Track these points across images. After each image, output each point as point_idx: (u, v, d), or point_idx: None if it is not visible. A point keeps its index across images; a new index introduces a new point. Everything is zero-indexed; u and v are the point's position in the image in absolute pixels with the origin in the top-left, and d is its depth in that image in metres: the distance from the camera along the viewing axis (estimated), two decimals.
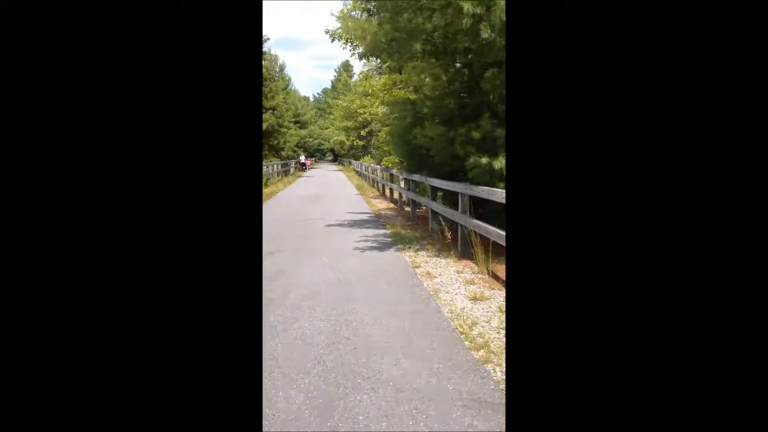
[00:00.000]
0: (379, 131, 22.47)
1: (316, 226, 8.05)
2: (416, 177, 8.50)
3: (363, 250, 6.10)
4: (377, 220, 9.00)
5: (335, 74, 54.21)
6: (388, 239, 6.90)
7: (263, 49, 25.78)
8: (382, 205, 12.06)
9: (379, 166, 16.80)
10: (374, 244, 6.49)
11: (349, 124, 33.30)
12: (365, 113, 21.61)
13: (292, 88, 44.17)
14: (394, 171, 12.21)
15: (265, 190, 15.28)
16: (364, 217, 9.50)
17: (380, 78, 10.70)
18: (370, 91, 11.72)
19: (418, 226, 8.17)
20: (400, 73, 8.27)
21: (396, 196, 12.91)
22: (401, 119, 7.20)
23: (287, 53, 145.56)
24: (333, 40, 7.87)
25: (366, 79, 11.96)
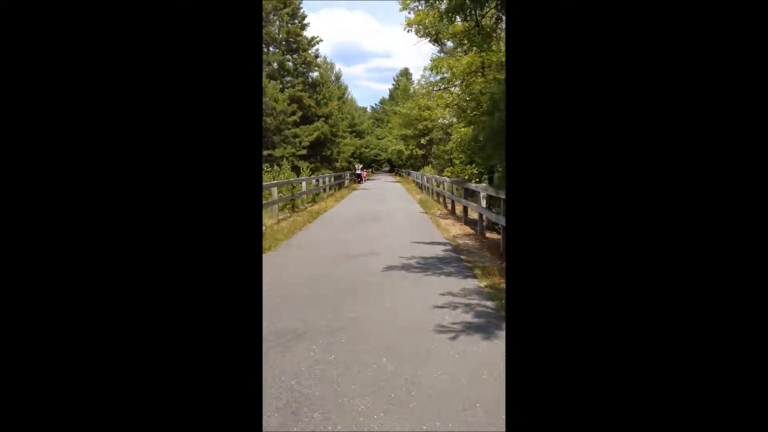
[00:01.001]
0: (443, 141, 20.01)
1: (371, 270, 5.43)
2: None
3: (453, 334, 3.39)
4: (457, 257, 6.26)
5: (393, 83, 51.93)
6: (489, 304, 4.15)
7: (317, 54, 23.86)
8: (456, 229, 9.30)
9: (446, 178, 14.10)
10: (468, 317, 3.77)
11: (408, 132, 31.17)
12: (428, 117, 19.13)
13: (349, 97, 42.51)
14: (472, 185, 9.43)
15: (312, 208, 12.95)
16: (438, 250, 6.78)
17: (461, 58, 8.01)
18: (448, 75, 9.06)
19: None
20: (483, 51, 5.63)
21: (473, 215, 10.18)
22: (500, 104, 4.49)
23: (344, 67, 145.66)
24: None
25: (437, 65, 9.27)
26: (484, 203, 8.90)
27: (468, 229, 9.30)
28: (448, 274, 5.23)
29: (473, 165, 10.04)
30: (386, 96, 55.17)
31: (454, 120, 15.59)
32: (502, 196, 6.56)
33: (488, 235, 8.71)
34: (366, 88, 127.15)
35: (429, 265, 5.70)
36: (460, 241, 7.71)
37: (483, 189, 8.54)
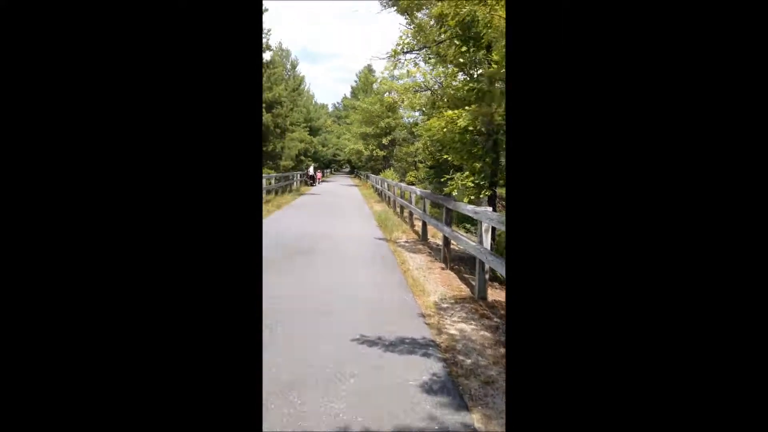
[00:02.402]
0: (406, 142, 16.58)
1: None
2: None
3: None
4: (462, 424, 2.40)
5: (356, 79, 47.72)
6: None
7: (271, 42, 19.61)
8: (438, 283, 5.47)
9: (415, 188, 10.32)
10: None
11: (369, 130, 27.41)
12: (391, 113, 15.51)
13: (306, 88, 38.13)
14: (467, 207, 5.56)
15: None
16: (410, 378, 2.89)
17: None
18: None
19: None
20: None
21: (456, 247, 6.45)
22: None
23: (306, 66, 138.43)
24: None
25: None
26: (487, 241, 5.08)
27: (457, 283, 5.49)
28: None
29: (460, 171, 6.14)
30: (348, 95, 50.96)
31: (420, 117, 12.20)
32: None
33: (491, 295, 4.95)
34: (328, 90, 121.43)
35: None
36: (454, 330, 3.85)
37: (487, 218, 4.74)
